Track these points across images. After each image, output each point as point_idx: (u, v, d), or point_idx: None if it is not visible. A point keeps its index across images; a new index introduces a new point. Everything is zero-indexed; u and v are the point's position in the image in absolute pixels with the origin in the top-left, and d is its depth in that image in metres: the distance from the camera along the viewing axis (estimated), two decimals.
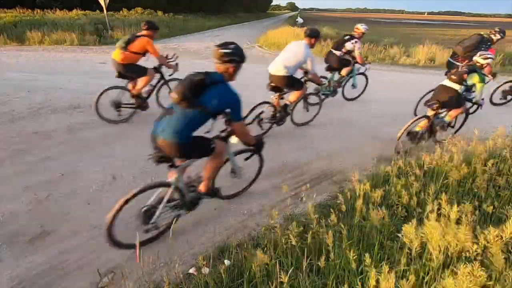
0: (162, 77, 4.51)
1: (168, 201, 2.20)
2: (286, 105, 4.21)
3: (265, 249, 1.90)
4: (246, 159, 2.76)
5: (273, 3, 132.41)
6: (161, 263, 2.05)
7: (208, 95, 2.00)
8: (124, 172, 3.18)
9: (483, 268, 1.39)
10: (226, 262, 1.89)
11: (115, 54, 4.07)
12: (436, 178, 2.68)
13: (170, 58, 4.39)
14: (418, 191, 2.41)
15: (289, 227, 1.91)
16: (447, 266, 1.63)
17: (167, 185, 2.22)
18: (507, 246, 1.68)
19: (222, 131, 2.43)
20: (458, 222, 1.78)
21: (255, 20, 41.15)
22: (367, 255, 1.59)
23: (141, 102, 4.38)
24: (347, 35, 5.39)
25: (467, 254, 1.59)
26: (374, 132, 4.46)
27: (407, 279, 1.41)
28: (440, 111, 3.73)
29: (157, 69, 4.40)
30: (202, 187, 2.43)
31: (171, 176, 2.23)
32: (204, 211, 2.65)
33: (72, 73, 7.06)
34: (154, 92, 4.54)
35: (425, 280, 1.62)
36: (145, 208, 2.15)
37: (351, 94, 5.89)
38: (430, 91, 3.71)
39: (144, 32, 4.13)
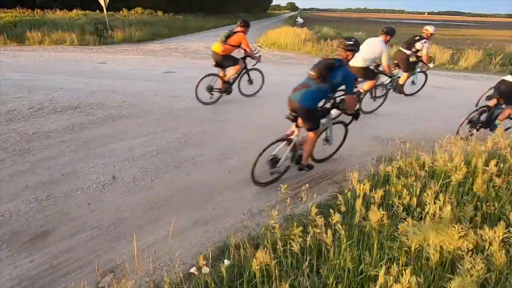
0: (245, 66, 5.33)
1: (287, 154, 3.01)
2: (359, 93, 4.81)
3: (265, 249, 1.90)
4: (347, 124, 3.48)
5: (273, 3, 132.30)
6: (161, 263, 2.06)
7: (334, 74, 2.73)
8: (124, 172, 3.18)
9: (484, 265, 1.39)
10: (226, 262, 1.89)
11: (216, 46, 5.00)
12: (436, 178, 2.68)
13: (255, 51, 5.27)
14: (418, 191, 2.41)
15: (289, 227, 1.91)
16: (446, 265, 1.64)
17: (290, 140, 3.02)
18: (505, 245, 1.68)
19: (327, 104, 3.13)
20: (458, 222, 1.78)
21: (255, 20, 41.05)
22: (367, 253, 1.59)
23: (228, 87, 5.27)
24: (416, 35, 5.76)
25: (466, 253, 1.59)
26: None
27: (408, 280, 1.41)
28: (501, 102, 3.97)
29: (243, 60, 5.23)
30: (304, 161, 3.16)
31: (294, 134, 3.02)
32: (204, 211, 2.66)
33: (72, 73, 7.06)
34: (238, 79, 5.41)
35: (423, 280, 1.62)
36: (271, 157, 2.95)
37: (410, 90, 6.17)
38: (491, 88, 4.05)
39: (239, 29, 5.02)
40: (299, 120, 2.95)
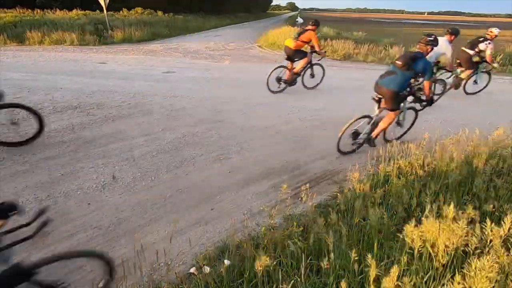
0: (310, 61, 6.01)
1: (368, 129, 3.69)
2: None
3: (265, 249, 1.90)
4: (418, 110, 4.06)
5: (273, 3, 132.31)
6: (161, 263, 2.06)
7: (416, 63, 3.40)
8: (124, 172, 3.18)
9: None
10: (226, 262, 1.89)
11: (289, 42, 5.79)
12: (437, 178, 2.68)
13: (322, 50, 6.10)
14: (418, 191, 2.41)
15: (289, 227, 1.91)
16: (448, 265, 1.63)
17: (370, 118, 3.67)
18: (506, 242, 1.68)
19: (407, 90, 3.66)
20: (455, 219, 1.78)
21: (255, 20, 41.12)
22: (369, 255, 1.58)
23: (294, 78, 5.97)
24: (481, 37, 5.96)
25: (469, 250, 1.58)
26: None
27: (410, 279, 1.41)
28: None
29: (310, 54, 5.92)
30: (374, 134, 3.76)
31: (376, 112, 3.66)
32: (204, 211, 2.66)
33: (72, 73, 7.05)
34: (303, 72, 6.08)
35: (425, 280, 1.62)
36: (353, 131, 3.65)
37: (472, 89, 6.33)
38: None
39: (310, 27, 5.77)
40: (382, 102, 3.62)
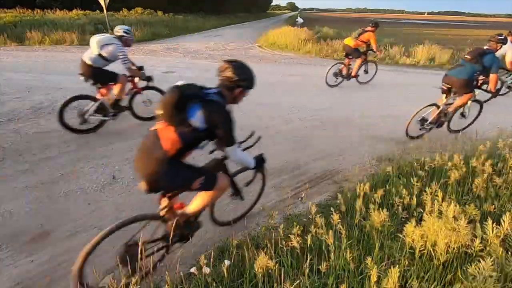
0: (366, 59, 6.73)
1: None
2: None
3: (265, 249, 1.90)
4: (483, 102, 4.35)
5: (273, 3, 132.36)
6: (161, 263, 2.05)
7: (485, 57, 3.79)
8: (124, 172, 3.18)
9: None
10: (226, 262, 1.89)
11: (349, 40, 6.47)
12: (437, 178, 2.67)
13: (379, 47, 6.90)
14: (418, 191, 2.40)
15: (289, 227, 1.91)
16: (449, 265, 1.63)
17: (438, 106, 4.13)
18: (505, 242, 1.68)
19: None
20: (456, 219, 1.78)
21: (255, 20, 41.13)
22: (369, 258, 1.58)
23: (354, 75, 6.70)
24: None
25: (469, 251, 1.58)
26: None
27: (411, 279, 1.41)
28: None
29: (365, 53, 6.63)
30: (451, 108, 4.14)
31: (444, 101, 4.11)
32: (204, 211, 2.65)
33: (72, 73, 7.02)
34: (360, 69, 6.73)
35: (425, 279, 1.62)
36: (420, 118, 4.18)
37: None
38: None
39: (370, 28, 6.41)
40: (450, 92, 4.04)
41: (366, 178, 2.87)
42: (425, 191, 2.23)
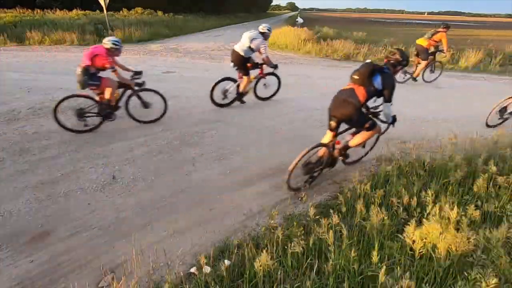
0: (434, 58, 7.18)
1: None
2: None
3: (266, 249, 1.90)
4: None
5: (273, 3, 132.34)
6: (161, 263, 2.05)
7: None
8: (124, 172, 3.17)
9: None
10: (226, 262, 1.89)
11: (421, 41, 6.90)
12: (437, 178, 2.67)
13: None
14: (418, 191, 2.40)
15: (289, 227, 1.91)
16: (449, 268, 1.63)
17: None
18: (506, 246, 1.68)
19: None
20: (458, 223, 1.78)
21: (255, 20, 41.08)
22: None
23: (418, 74, 7.14)
24: None
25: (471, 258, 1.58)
26: None
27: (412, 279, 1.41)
28: None
29: (433, 54, 7.06)
30: None
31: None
32: (204, 211, 2.65)
33: (72, 73, 7.01)
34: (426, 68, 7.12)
35: (425, 281, 1.62)
36: (500, 108, 4.45)
37: None
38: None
39: (441, 29, 6.86)
40: None
41: (366, 178, 2.86)
42: (425, 191, 2.23)
